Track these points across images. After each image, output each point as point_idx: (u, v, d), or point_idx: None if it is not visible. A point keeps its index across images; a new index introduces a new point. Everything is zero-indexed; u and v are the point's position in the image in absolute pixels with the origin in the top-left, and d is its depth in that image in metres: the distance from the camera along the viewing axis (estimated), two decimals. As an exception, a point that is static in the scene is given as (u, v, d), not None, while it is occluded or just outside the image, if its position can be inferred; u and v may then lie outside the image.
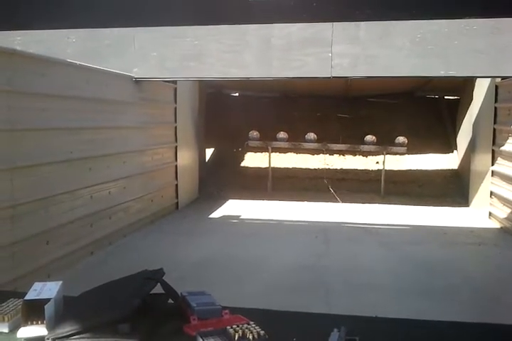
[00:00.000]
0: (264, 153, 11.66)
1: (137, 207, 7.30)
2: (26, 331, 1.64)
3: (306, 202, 9.94)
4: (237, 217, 8.63)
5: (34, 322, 1.64)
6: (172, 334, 1.66)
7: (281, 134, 10.85)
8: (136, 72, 6.99)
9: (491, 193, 8.11)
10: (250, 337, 1.56)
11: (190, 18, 2.30)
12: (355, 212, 9.14)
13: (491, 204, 8.14)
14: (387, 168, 10.70)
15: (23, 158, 4.65)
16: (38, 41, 6.30)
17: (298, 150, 11.64)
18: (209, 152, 12.10)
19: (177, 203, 9.07)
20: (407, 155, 11.40)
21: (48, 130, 5.08)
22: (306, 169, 11.57)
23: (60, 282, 1.81)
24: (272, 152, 11.09)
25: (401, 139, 10.40)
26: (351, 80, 8.93)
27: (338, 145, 11.04)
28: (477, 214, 8.65)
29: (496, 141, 7.94)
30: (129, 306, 1.67)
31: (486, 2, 2.06)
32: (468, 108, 9.88)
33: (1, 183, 4.37)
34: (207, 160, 11.81)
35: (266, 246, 6.68)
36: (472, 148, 9.40)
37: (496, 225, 7.82)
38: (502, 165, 7.70)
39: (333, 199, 10.10)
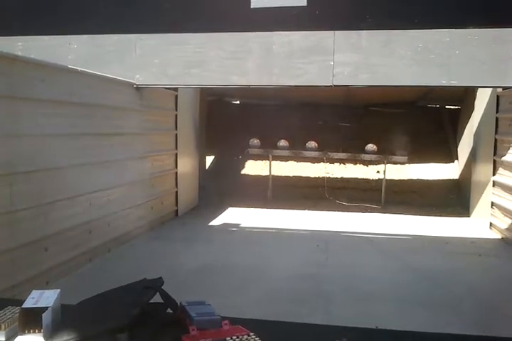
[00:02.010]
0: (264, 161, 11.66)
1: (137, 214, 7.27)
2: (23, 340, 1.61)
3: (306, 211, 9.92)
4: (237, 225, 8.60)
5: (31, 331, 1.62)
6: (171, 345, 1.64)
7: (282, 142, 10.85)
8: (137, 79, 7.00)
9: (492, 204, 8.08)
10: (250, 348, 1.54)
11: (192, 25, 2.29)
12: (356, 221, 9.11)
13: (491, 214, 8.11)
14: (387, 177, 10.69)
15: (23, 164, 4.63)
16: (40, 47, 6.30)
17: (298, 159, 11.65)
18: (209, 159, 12.10)
19: (177, 210, 9.05)
20: (407, 165, 11.40)
21: (47, 136, 5.06)
22: (306, 177, 11.56)
23: (58, 290, 1.79)
24: (272, 160, 11.09)
25: (402, 148, 10.40)
26: (353, 89, 8.93)
27: (338, 153, 11.03)
28: (478, 225, 8.62)
29: (497, 152, 7.91)
30: (127, 316, 1.65)
31: (488, 12, 2.05)
32: (469, 118, 9.88)
33: (0, 189, 4.36)
34: (207, 167, 11.81)
35: (266, 254, 6.65)
36: (473, 158, 9.39)
37: (497, 236, 7.79)
38: (503, 176, 7.68)
39: (334, 208, 10.08)
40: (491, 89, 8.07)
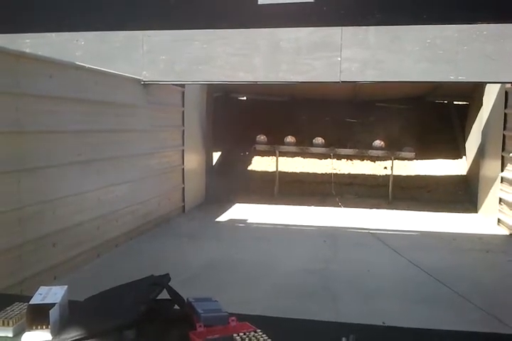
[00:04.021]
0: (271, 157, 11.64)
1: (144, 209, 7.29)
2: (31, 336, 1.62)
3: (313, 207, 9.90)
4: (243, 221, 8.61)
5: (39, 327, 1.63)
6: (178, 341, 1.65)
7: (289, 138, 10.83)
8: (144, 75, 7.00)
9: (500, 200, 8.05)
10: (257, 345, 1.54)
11: (199, 21, 2.29)
12: (363, 217, 9.09)
13: (499, 210, 8.08)
14: (395, 173, 10.65)
15: (31, 160, 4.65)
16: (47, 44, 6.31)
17: (305, 155, 11.61)
18: (216, 155, 12.10)
19: (184, 206, 9.06)
20: (415, 161, 11.35)
21: (55, 132, 5.08)
22: (313, 173, 11.54)
23: (66, 286, 1.79)
24: (279, 156, 11.07)
25: (409, 144, 10.36)
26: (360, 85, 8.90)
27: (345, 149, 11.01)
28: (486, 221, 8.58)
29: (505, 147, 7.87)
30: (134, 312, 1.65)
31: (496, 7, 2.04)
32: (477, 113, 9.83)
33: (8, 185, 4.38)
34: (214, 163, 11.81)
35: (273, 250, 6.65)
36: (481, 153, 9.34)
37: (505, 232, 7.75)
38: (511, 172, 7.64)
39: (341, 204, 10.08)
40: (500, 84, 8.01)
